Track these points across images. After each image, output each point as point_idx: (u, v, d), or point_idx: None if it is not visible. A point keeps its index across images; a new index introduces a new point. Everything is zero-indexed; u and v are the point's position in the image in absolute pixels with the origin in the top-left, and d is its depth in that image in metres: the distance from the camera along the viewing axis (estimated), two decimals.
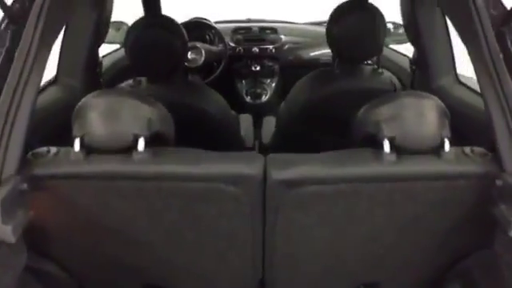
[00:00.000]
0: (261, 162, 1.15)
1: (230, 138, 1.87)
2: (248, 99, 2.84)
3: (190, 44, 2.58)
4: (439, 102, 1.15)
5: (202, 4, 4.18)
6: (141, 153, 1.08)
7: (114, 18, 2.33)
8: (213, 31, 2.80)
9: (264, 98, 2.84)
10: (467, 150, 1.16)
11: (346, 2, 1.85)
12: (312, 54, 2.94)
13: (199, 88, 1.78)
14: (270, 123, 2.26)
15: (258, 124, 2.48)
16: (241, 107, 2.77)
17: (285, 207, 1.14)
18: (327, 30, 1.79)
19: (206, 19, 2.82)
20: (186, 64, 2.59)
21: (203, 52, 2.62)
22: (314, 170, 1.13)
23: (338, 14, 1.75)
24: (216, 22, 2.92)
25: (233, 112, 1.93)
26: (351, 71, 1.82)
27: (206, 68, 2.70)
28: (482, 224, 1.17)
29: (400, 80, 2.10)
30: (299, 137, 1.90)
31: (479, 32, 1.11)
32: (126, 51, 1.65)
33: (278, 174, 1.12)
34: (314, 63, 2.88)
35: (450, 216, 1.20)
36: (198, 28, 2.82)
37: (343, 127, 1.83)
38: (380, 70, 1.83)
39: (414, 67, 1.97)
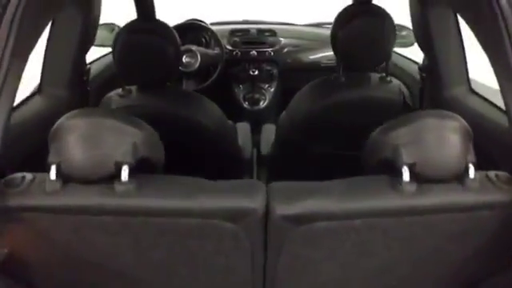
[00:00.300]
0: (262, 194, 1.01)
1: (227, 149, 1.75)
2: (246, 105, 2.73)
3: (184, 47, 2.48)
4: (463, 122, 1.02)
5: (197, 4, 4.04)
6: (124, 183, 0.94)
7: (107, 19, 2.22)
8: (209, 33, 2.68)
9: (262, 104, 2.72)
10: (491, 174, 1.04)
11: (352, 4, 1.72)
12: (312, 57, 2.83)
13: (194, 98, 1.65)
14: (269, 132, 2.14)
15: (256, 131, 2.36)
16: (238, 113, 2.67)
17: (289, 244, 1.01)
18: (332, 34, 1.66)
19: (201, 21, 2.70)
20: (180, 68, 2.47)
21: (199, 55, 2.51)
22: (324, 203, 1.00)
23: (343, 17, 1.62)
24: (212, 24, 2.80)
25: (230, 122, 1.81)
26: (357, 79, 1.70)
27: (202, 72, 2.58)
28: (501, 252, 1.07)
29: (408, 88, 1.98)
30: (300, 148, 1.78)
31: (504, 37, 0.98)
32: (113, 58, 1.52)
33: (282, 209, 0.99)
34: (315, 67, 2.79)
35: (469, 246, 1.09)
36: (193, 30, 2.70)
37: (348, 139, 1.72)
38: (388, 78, 1.71)
39: (423, 74, 1.84)
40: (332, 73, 2.72)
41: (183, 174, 1.72)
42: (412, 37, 2.32)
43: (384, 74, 1.71)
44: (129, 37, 1.47)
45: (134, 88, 1.59)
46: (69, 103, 1.64)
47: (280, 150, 1.89)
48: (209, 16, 2.94)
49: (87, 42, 1.68)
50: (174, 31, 1.55)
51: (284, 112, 1.82)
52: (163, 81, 1.55)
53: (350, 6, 1.63)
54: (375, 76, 1.72)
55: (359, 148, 1.69)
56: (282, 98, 2.73)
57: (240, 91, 2.74)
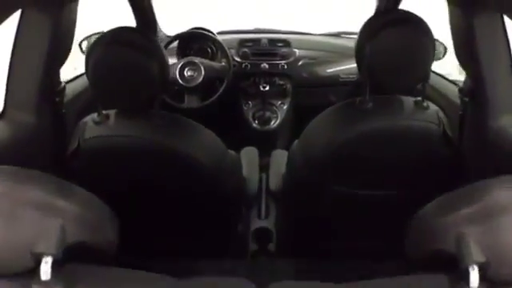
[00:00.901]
0: None
1: (227, 189, 1.45)
2: (255, 124, 2.43)
3: (187, 59, 2.24)
4: None
5: (203, 11, 3.76)
6: (44, 283, 0.65)
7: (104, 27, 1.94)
8: (215, 43, 2.41)
9: (274, 124, 2.43)
10: None
11: (382, 11, 1.41)
12: (330, 70, 2.54)
13: (186, 126, 1.36)
14: (279, 161, 1.83)
15: (266, 154, 2.07)
16: (247, 134, 2.46)
17: None
18: (357, 47, 1.36)
19: (206, 29, 2.41)
20: (182, 83, 2.19)
21: (202, 68, 2.24)
22: None
23: (372, 27, 1.31)
24: (219, 33, 2.51)
25: (232, 154, 1.51)
26: (388, 104, 1.39)
27: (206, 87, 2.29)
28: None
29: (445, 114, 1.66)
30: (315, 188, 1.47)
31: None
32: (87, 76, 1.24)
33: None
34: (333, 81, 2.51)
35: None
36: (197, 40, 2.44)
37: (376, 177, 1.41)
38: (425, 103, 1.40)
39: (465, 98, 1.52)
40: (352, 88, 2.51)
41: (172, 223, 1.40)
42: (441, 49, 2.04)
43: (420, 98, 1.40)
44: (103, 50, 1.19)
45: (112, 113, 1.31)
46: (37, 130, 1.36)
47: (291, 187, 1.59)
48: (216, 24, 2.64)
49: (60, 54, 1.39)
50: (159, 44, 1.26)
51: (297, 142, 1.52)
52: (147, 104, 1.26)
53: (380, 13, 1.33)
54: (409, 100, 1.41)
55: (388, 187, 1.38)
56: (296, 117, 2.48)
57: (249, 108, 2.46)
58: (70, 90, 1.70)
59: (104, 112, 1.31)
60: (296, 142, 1.52)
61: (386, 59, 1.28)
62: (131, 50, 1.18)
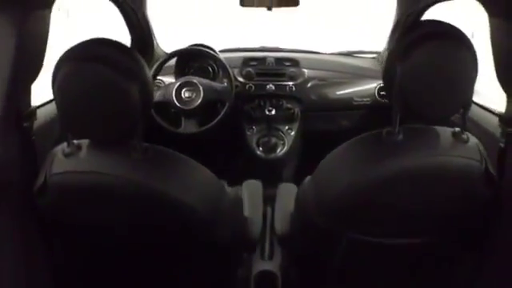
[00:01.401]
0: None
1: (225, 234, 1.20)
2: (259, 152, 2.19)
3: (184, 79, 2.03)
4: None
5: (205, 29, 3.58)
6: None
7: None
8: (216, 62, 2.19)
9: (280, 152, 2.18)
10: None
11: (416, 23, 1.18)
12: (342, 92, 2.31)
13: (174, 161, 1.12)
14: (286, 197, 1.58)
15: (271, 186, 1.83)
16: (250, 162, 2.24)
17: None
18: (386, 69, 1.12)
19: (207, 46, 2.19)
20: (179, 105, 1.97)
21: (202, 89, 2.02)
22: None
23: (404, 43, 1.08)
24: (221, 51, 2.30)
25: (230, 192, 1.27)
26: (421, 136, 1.16)
27: (206, 110, 2.06)
28: None
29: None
30: (329, 233, 1.23)
31: None
32: (54, 97, 1.00)
33: None
34: (346, 105, 2.30)
35: None
36: (197, 58, 2.23)
37: (404, 223, 1.17)
38: (465, 135, 1.16)
39: (509, 129, 1.27)
40: (367, 112, 2.28)
41: (156, 277, 1.21)
42: None
43: (458, 129, 1.17)
44: (70, 68, 0.96)
45: (85, 143, 1.08)
46: (1, 161, 1.12)
47: (299, 230, 1.34)
48: (218, 41, 2.44)
49: (29, 71, 1.16)
50: (141, 60, 1.03)
51: (309, 179, 1.27)
52: (126, 135, 1.03)
53: (414, 27, 1.09)
54: (446, 132, 1.17)
55: (413, 234, 1.16)
56: (305, 144, 2.27)
57: (253, 134, 2.22)
58: (47, 113, 1.47)
59: (76, 142, 1.07)
60: (308, 178, 1.27)
61: (421, 82, 1.05)
62: (105, 68, 0.95)
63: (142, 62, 1.02)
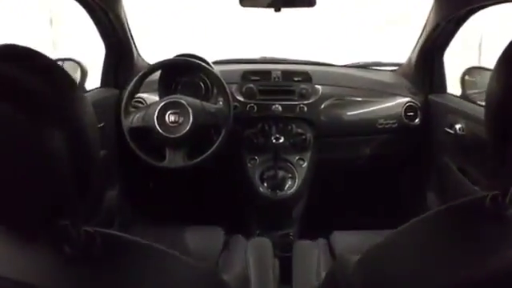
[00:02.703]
0: None
1: None
2: (264, 189, 1.82)
3: (169, 98, 1.67)
4: None
5: (200, 38, 3.24)
6: None
7: None
8: (210, 77, 1.82)
9: (290, 189, 1.81)
10: None
11: None
12: (363, 113, 1.96)
13: (133, 256, 0.66)
14: (306, 266, 1.17)
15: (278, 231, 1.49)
16: (252, 203, 1.92)
17: None
18: (489, 92, 0.70)
19: (198, 57, 1.82)
20: (162, 133, 1.60)
21: (190, 112, 1.65)
22: None
23: None
24: (216, 63, 1.97)
25: (225, 279, 0.84)
26: None
27: (196, 139, 1.68)
28: None
29: None
30: None
31: None
32: None
33: None
34: (369, 129, 1.97)
35: None
36: (186, 71, 1.88)
37: None
38: None
39: None
40: (394, 137, 1.92)
41: None
42: None
43: None
44: None
45: None
46: None
47: None
48: (211, 50, 2.07)
49: None
50: (70, 76, 0.59)
51: (357, 265, 0.83)
52: (53, 214, 0.58)
53: None
54: None
55: None
56: (319, 178, 1.93)
57: (255, 167, 1.87)
58: None
59: None
60: (356, 262, 0.84)
61: None
62: (1, 105, 0.51)
63: (72, 79, 0.58)
